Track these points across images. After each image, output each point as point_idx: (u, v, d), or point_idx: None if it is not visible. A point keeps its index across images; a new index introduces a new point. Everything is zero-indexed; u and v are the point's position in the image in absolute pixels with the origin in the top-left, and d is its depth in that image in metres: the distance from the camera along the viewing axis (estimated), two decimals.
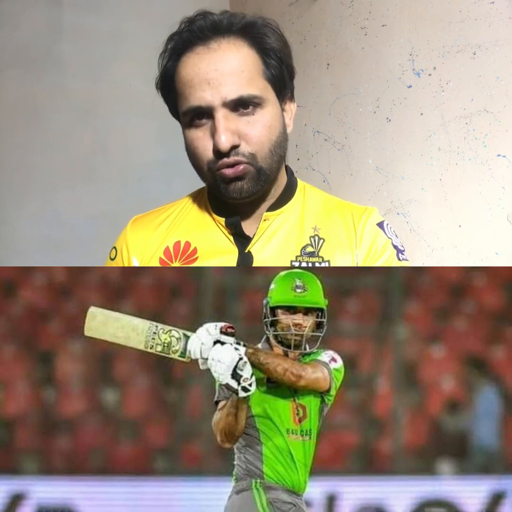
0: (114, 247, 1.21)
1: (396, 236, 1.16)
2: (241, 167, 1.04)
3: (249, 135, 1.03)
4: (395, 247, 1.12)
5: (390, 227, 1.16)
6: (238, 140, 1.03)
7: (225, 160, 1.03)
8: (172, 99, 1.10)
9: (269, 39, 1.05)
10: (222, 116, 1.01)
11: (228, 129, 1.01)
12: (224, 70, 1.01)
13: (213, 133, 1.02)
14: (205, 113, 1.03)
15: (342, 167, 1.98)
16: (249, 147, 1.03)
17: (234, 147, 1.02)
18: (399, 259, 1.12)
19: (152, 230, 1.17)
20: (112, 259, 1.21)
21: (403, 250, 1.15)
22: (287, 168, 1.20)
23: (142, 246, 1.16)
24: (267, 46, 1.05)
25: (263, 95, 1.04)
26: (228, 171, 1.04)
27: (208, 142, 1.04)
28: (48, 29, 2.33)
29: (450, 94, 1.59)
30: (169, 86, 1.08)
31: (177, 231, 1.15)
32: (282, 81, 1.08)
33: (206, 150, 1.05)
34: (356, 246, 1.10)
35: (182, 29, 1.05)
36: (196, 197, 1.21)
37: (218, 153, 1.03)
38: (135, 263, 1.16)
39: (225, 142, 1.00)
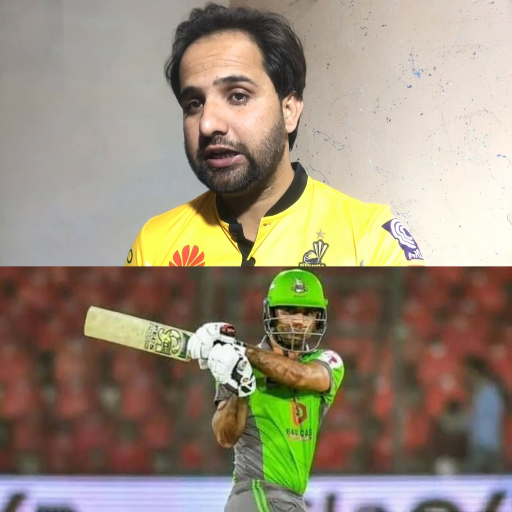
0: (131, 250, 1.23)
1: (407, 234, 1.11)
2: (233, 158, 1.02)
3: (238, 124, 1.02)
4: (403, 247, 1.09)
5: (399, 226, 1.11)
6: (225, 127, 1.01)
7: (210, 146, 1.01)
8: (177, 88, 1.10)
9: (273, 34, 1.05)
10: (211, 101, 1.01)
11: (214, 114, 1.00)
12: (220, 54, 1.01)
13: None
14: (199, 98, 1.03)
15: (342, 167, 1.98)
16: (237, 136, 1.02)
17: (219, 133, 1.01)
18: (408, 258, 1.08)
19: (164, 233, 1.18)
20: (128, 262, 1.23)
21: (414, 248, 1.10)
22: (296, 166, 1.18)
23: (154, 249, 1.17)
24: (270, 40, 1.05)
25: (258, 84, 1.03)
26: (218, 162, 1.02)
27: (197, 128, 1.03)
28: (48, 29, 2.33)
29: (450, 94, 1.59)
30: (175, 75, 1.09)
31: (187, 235, 1.16)
32: (283, 76, 1.07)
33: (195, 137, 1.04)
34: (361, 252, 1.07)
35: (192, 20, 1.07)
36: (205, 200, 1.21)
37: (203, 139, 1.01)
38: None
39: (208, 126, 0.99)
